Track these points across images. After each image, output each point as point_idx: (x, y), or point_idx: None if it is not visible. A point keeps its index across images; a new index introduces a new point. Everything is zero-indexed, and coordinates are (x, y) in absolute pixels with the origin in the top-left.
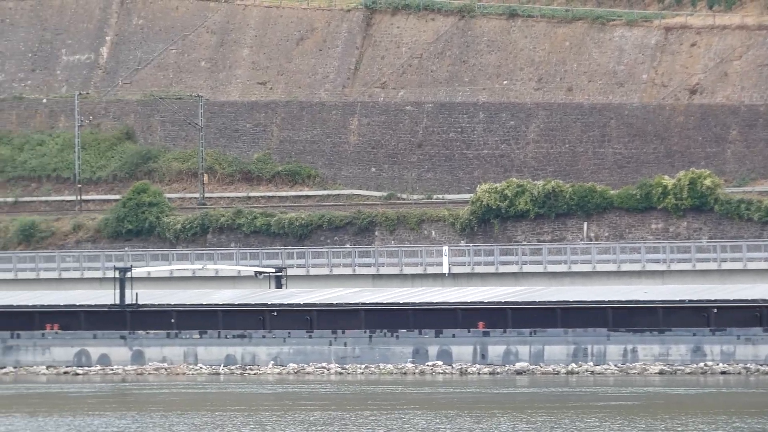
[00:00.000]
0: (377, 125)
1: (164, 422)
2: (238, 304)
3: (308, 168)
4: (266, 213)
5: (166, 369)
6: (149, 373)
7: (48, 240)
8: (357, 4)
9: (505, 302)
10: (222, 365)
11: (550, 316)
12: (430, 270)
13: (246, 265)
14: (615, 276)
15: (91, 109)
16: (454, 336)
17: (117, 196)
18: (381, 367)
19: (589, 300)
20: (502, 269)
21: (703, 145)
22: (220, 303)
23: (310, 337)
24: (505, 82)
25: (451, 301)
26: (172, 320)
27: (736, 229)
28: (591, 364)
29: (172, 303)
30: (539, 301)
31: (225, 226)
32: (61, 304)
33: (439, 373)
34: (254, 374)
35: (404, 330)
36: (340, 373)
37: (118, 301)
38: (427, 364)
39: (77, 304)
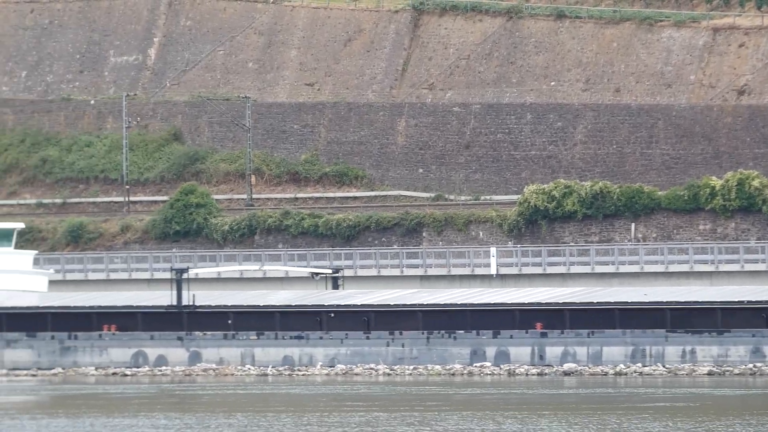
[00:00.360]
0: (425, 126)
1: (207, 423)
2: (295, 306)
3: (356, 169)
4: (314, 214)
5: (214, 370)
6: (197, 374)
7: (96, 241)
8: (405, 5)
9: (563, 303)
10: (270, 366)
11: (608, 317)
12: (478, 271)
13: (296, 266)
14: (663, 277)
15: (139, 111)
16: (511, 337)
17: (164, 198)
18: (429, 368)
19: (648, 301)
20: (550, 270)
21: (751, 145)
22: (277, 304)
23: (368, 338)
24: (552, 83)
25: (509, 302)
26: (229, 321)
27: None
28: (642, 365)
29: (229, 304)
30: (597, 302)
31: (272, 227)
32: (119, 305)
33: (488, 374)
34: (302, 375)
35: (462, 331)
36: (388, 374)
37: (175, 302)
38: (475, 365)
39: (134, 305)
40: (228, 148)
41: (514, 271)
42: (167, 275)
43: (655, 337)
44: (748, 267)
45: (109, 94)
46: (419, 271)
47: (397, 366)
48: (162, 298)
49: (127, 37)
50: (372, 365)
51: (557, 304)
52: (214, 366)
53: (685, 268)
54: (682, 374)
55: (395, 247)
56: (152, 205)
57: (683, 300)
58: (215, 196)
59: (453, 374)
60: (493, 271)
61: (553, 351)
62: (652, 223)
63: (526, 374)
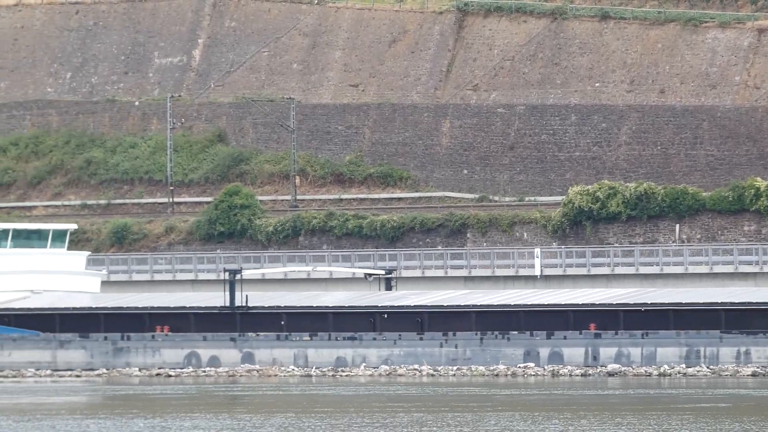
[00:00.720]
0: (469, 127)
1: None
2: (348, 306)
3: (400, 170)
4: (358, 215)
5: (258, 371)
6: (241, 375)
7: (140, 242)
8: (449, 6)
9: (617, 304)
10: (313, 367)
11: (662, 318)
12: (522, 272)
13: (348, 267)
14: (707, 278)
15: (183, 112)
16: (565, 338)
17: (209, 199)
18: (473, 369)
19: (702, 302)
20: (594, 271)
21: None
22: (330, 305)
23: (421, 339)
24: (597, 84)
25: (563, 302)
26: (282, 322)
27: None
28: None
29: (282, 305)
30: (651, 303)
31: (317, 228)
32: (171, 306)
33: (531, 375)
34: (346, 376)
35: (515, 332)
36: (432, 375)
37: (228, 303)
38: (519, 365)
39: (187, 306)
40: (272, 149)
41: (558, 272)
42: (212, 276)
43: (709, 338)
44: None
45: (154, 95)
46: (464, 272)
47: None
48: (215, 299)
49: (172, 38)
50: (423, 366)
51: (611, 305)
52: (257, 367)
53: (729, 269)
54: (726, 375)
55: (440, 248)
56: (197, 206)
57: (738, 301)
58: (259, 197)
59: (497, 375)
60: (537, 272)
61: (606, 352)
62: (696, 224)
63: (570, 375)
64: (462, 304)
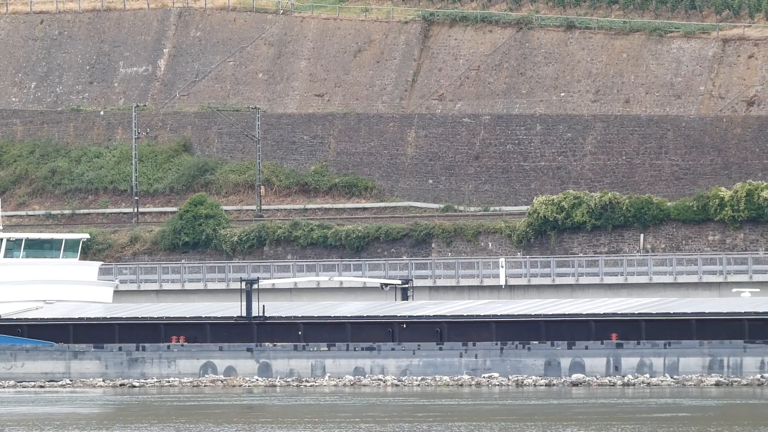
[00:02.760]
0: (434, 137)
1: None
2: (367, 316)
3: (365, 180)
4: (323, 225)
5: (222, 381)
6: (205, 385)
7: (105, 252)
8: (414, 16)
9: (639, 314)
10: (279, 377)
11: (684, 328)
12: (487, 282)
13: (364, 277)
14: (671, 288)
15: (149, 122)
16: (586, 348)
17: (174, 209)
18: (437, 378)
19: (725, 311)
20: (559, 281)
21: (761, 156)
22: (348, 315)
23: (440, 349)
24: (562, 94)
25: (584, 312)
26: (300, 332)
27: None
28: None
29: (299, 315)
30: (674, 313)
31: (282, 238)
32: (187, 316)
33: (495, 385)
34: (310, 386)
35: (536, 342)
36: (396, 386)
37: (244, 314)
38: (483, 376)
39: (203, 316)
40: (237, 159)
41: (523, 281)
42: (176, 286)
43: (732, 348)
44: (757, 278)
45: (119, 105)
46: (428, 282)
47: (405, 378)
48: (231, 309)
49: (137, 48)
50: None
51: (633, 314)
52: (222, 377)
53: (694, 279)
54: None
55: (404, 258)
56: (161, 216)
57: (762, 310)
58: (224, 207)
59: (461, 385)
60: (502, 282)
61: (628, 362)
62: (661, 234)
63: (534, 385)
64: (482, 314)
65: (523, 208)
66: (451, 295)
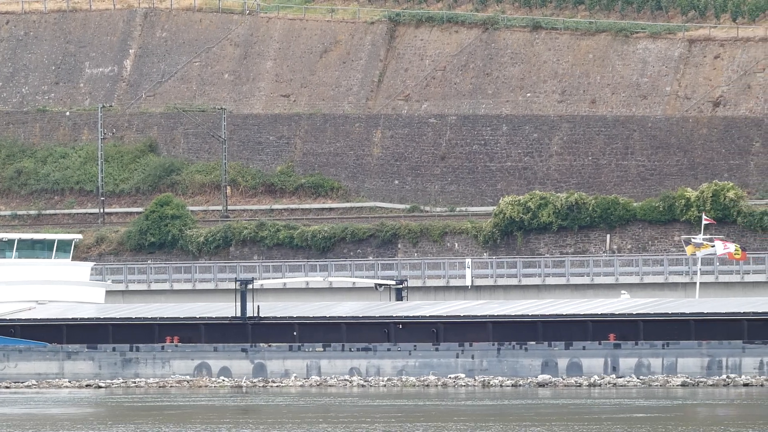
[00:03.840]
0: (400, 138)
1: None
2: (362, 317)
3: (331, 180)
4: (289, 225)
5: (188, 381)
6: (171, 386)
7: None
8: (381, 17)
9: (637, 314)
10: (244, 378)
11: (683, 328)
12: (453, 282)
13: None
14: (637, 288)
15: (115, 122)
16: (584, 348)
17: (140, 209)
18: (403, 379)
19: (724, 312)
20: (525, 281)
21: (726, 157)
22: (344, 315)
23: (437, 350)
24: (528, 95)
25: (581, 312)
26: (295, 333)
27: (759, 241)
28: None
29: (295, 315)
30: (672, 313)
31: (248, 238)
32: (181, 316)
33: (462, 385)
34: (276, 387)
35: (533, 342)
36: (363, 386)
37: (239, 314)
38: (449, 376)
39: (197, 316)
40: (203, 159)
41: (489, 282)
42: (143, 287)
43: (731, 348)
44: (723, 278)
45: (85, 105)
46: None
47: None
48: (225, 309)
49: (103, 48)
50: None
51: (631, 315)
52: (187, 377)
53: (660, 279)
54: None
55: (370, 258)
56: (127, 217)
57: (761, 310)
58: (191, 208)
59: (427, 386)
60: (468, 282)
61: (626, 362)
62: (627, 235)
63: (501, 386)
64: (479, 314)
65: (490, 208)
66: (418, 296)
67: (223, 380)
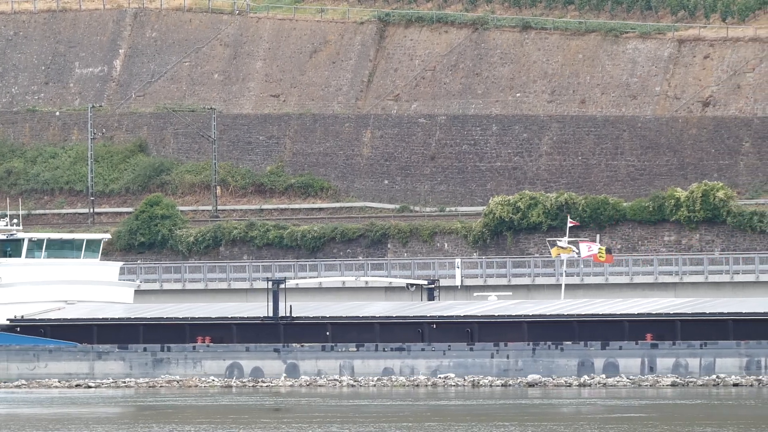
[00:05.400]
0: (390, 138)
1: None
2: (396, 317)
3: (321, 180)
4: (279, 225)
5: (178, 382)
6: (161, 386)
7: None
8: (370, 17)
9: (674, 314)
10: (241, 378)
11: (721, 328)
12: (443, 282)
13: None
14: (627, 288)
15: (104, 122)
16: (620, 348)
17: (130, 209)
18: (393, 379)
19: (762, 312)
20: (515, 281)
21: (716, 157)
22: (377, 315)
23: (471, 349)
24: (518, 95)
25: (617, 312)
26: (328, 333)
27: (749, 241)
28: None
29: (327, 315)
30: (710, 313)
31: (238, 238)
32: (213, 316)
33: (452, 385)
34: (266, 386)
35: (569, 342)
36: (352, 386)
37: (271, 314)
38: (440, 376)
39: (229, 316)
40: (193, 159)
41: (479, 282)
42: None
43: None
44: (712, 278)
45: (75, 105)
46: (384, 283)
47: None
48: (257, 309)
49: (93, 48)
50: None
51: (668, 314)
52: (178, 378)
53: (649, 279)
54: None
55: (360, 258)
56: (117, 217)
57: None
58: (180, 208)
59: (417, 385)
60: (457, 282)
61: (663, 362)
62: (617, 235)
63: (491, 386)
64: (514, 314)
65: (479, 208)
66: (407, 296)
67: (214, 380)
